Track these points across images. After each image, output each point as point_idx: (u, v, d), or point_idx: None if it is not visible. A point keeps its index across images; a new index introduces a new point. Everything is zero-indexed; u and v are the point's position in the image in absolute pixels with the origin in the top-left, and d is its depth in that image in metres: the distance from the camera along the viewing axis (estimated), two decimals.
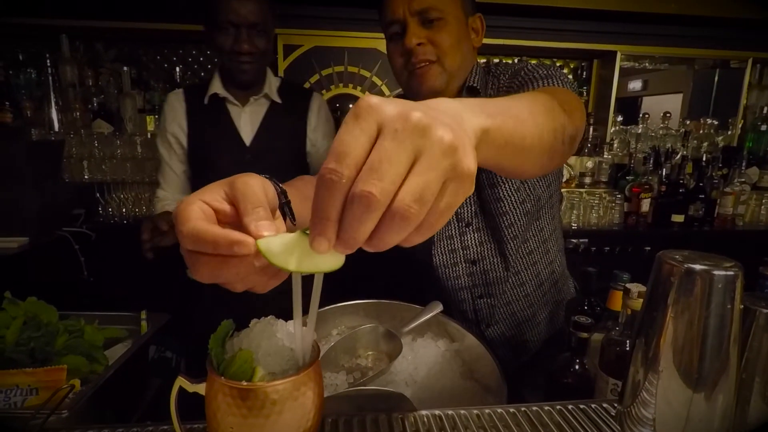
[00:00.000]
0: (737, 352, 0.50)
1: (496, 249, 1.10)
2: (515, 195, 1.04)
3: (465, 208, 1.08)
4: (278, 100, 1.46)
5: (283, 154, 1.48)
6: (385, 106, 0.32)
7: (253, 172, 1.61)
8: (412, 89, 1.02)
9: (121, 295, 2.06)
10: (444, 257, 1.11)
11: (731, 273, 0.48)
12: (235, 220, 0.43)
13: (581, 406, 0.65)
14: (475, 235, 1.09)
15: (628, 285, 0.88)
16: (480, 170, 1.09)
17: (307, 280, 0.43)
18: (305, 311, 0.45)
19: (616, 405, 0.63)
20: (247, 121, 1.45)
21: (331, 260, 0.36)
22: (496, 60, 2.84)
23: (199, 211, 0.41)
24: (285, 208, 0.52)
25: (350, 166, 0.31)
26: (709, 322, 0.49)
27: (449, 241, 1.10)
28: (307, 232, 0.37)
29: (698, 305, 0.49)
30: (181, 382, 0.49)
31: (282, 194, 0.53)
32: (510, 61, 2.85)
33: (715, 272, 0.48)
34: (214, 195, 0.44)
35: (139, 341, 1.02)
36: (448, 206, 0.34)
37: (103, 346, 1.00)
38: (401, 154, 0.31)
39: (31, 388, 0.80)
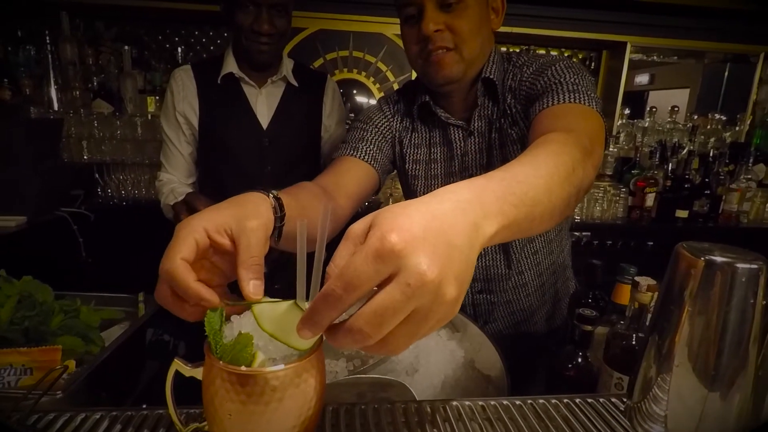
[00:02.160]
0: (757, 349, 0.48)
1: (499, 246, 1.06)
2: None
3: None
4: (295, 82, 1.41)
5: (299, 139, 1.43)
6: (407, 256, 0.33)
7: (269, 156, 1.58)
8: (428, 77, 0.96)
9: (120, 277, 2.05)
10: None
11: (755, 266, 0.46)
12: (230, 252, 0.48)
13: (588, 400, 0.63)
14: None
15: (636, 278, 0.86)
16: (493, 163, 0.97)
17: (311, 263, 0.42)
18: (308, 297, 0.43)
19: (625, 400, 0.61)
20: (264, 103, 1.39)
21: (306, 343, 0.42)
22: (503, 48, 2.79)
23: (192, 246, 0.46)
24: (275, 232, 0.58)
25: (355, 296, 0.34)
26: (729, 318, 0.47)
27: None
28: (299, 304, 0.43)
29: (718, 299, 0.47)
30: (177, 365, 0.47)
31: (279, 218, 0.59)
32: (525, 49, 2.79)
33: (739, 265, 0.46)
34: (219, 228, 0.48)
35: (136, 323, 1.00)
36: (423, 335, 0.37)
37: (100, 328, 0.99)
38: (407, 307, 0.34)
39: (25, 367, 0.78)
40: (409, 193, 1.15)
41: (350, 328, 0.35)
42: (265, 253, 0.49)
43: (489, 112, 1.00)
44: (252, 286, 0.46)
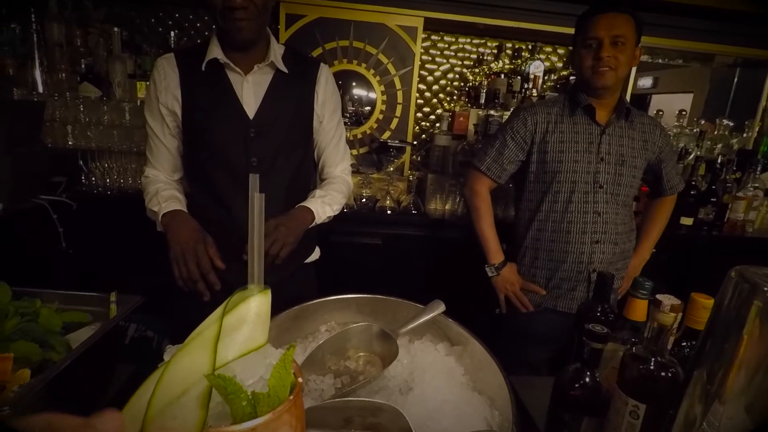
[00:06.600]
0: None
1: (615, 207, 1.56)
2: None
3: (603, 176, 1.52)
4: (284, 69, 1.30)
5: (288, 130, 1.33)
6: None
7: (255, 148, 1.51)
8: (591, 82, 1.45)
9: (102, 269, 1.95)
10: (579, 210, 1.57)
11: None
12: None
13: None
14: (605, 195, 1.54)
15: (658, 296, 0.78)
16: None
17: None
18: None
19: None
20: (251, 91, 1.28)
21: None
22: (509, 44, 2.71)
23: None
24: None
25: None
26: None
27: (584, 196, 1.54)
28: None
29: None
30: None
31: None
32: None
33: None
34: None
35: (106, 326, 0.91)
36: None
37: (68, 330, 0.90)
38: None
39: None
40: None
41: None
42: None
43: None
44: None
